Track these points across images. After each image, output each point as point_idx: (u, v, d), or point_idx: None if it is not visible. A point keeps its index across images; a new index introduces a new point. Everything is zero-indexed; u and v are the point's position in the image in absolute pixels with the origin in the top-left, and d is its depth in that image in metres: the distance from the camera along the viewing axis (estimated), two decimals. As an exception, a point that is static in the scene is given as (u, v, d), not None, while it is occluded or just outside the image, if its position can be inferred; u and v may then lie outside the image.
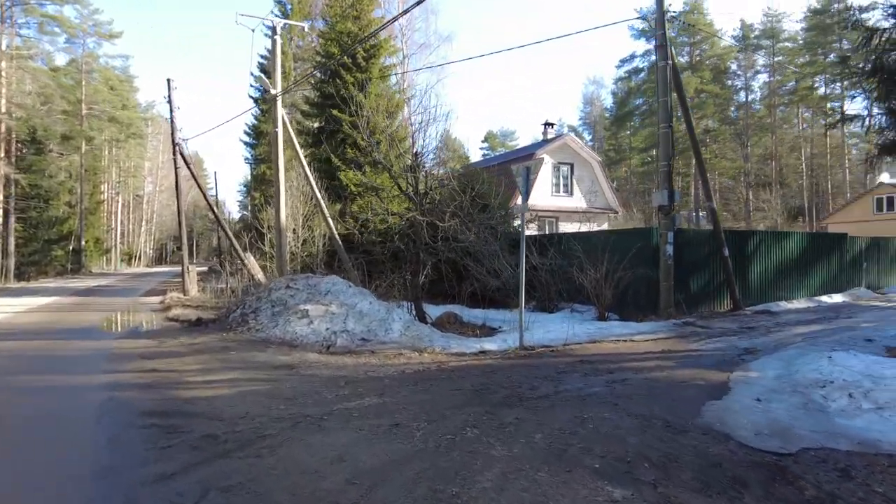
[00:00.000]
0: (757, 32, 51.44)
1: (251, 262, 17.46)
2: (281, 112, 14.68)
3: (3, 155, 30.34)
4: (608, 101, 65.95)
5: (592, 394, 5.70)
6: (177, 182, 19.96)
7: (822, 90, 48.65)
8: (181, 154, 19.15)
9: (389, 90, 21.24)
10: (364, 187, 17.10)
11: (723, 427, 4.60)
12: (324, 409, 5.20)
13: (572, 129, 65.72)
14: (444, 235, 11.17)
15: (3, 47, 30.72)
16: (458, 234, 11.16)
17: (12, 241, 30.85)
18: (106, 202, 51.82)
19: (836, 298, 15.09)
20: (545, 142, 26.72)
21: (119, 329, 12.05)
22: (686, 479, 3.58)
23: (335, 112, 17.90)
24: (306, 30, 28.62)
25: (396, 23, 28.16)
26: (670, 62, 11.81)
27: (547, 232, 22.48)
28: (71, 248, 39.20)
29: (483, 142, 76.62)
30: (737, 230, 18.11)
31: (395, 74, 24.17)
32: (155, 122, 59.26)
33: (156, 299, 18.08)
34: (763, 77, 52.47)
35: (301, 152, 15.81)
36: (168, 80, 18.93)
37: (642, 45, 52.34)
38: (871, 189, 34.47)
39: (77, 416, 5.29)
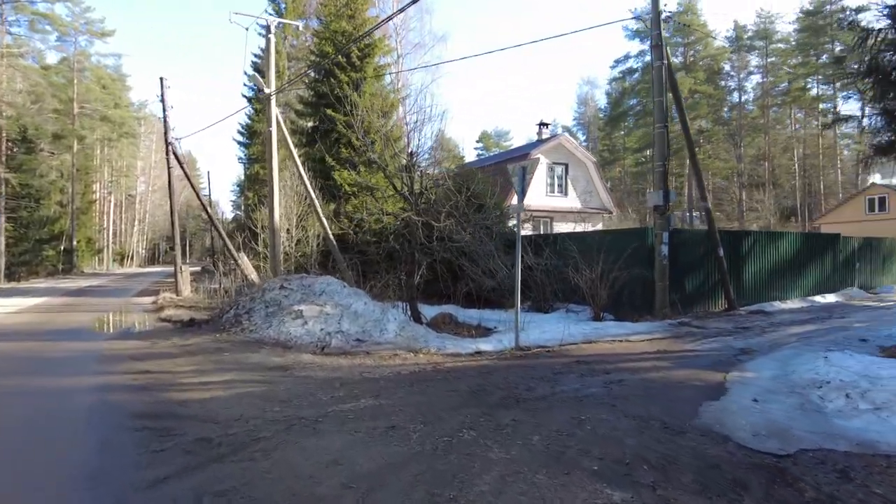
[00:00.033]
0: (750, 33, 51.73)
1: (245, 262, 17.35)
2: (275, 111, 14.60)
3: (-7, 154, 30.09)
4: (602, 102, 66.20)
5: (589, 395, 5.67)
6: (170, 182, 19.82)
7: (814, 91, 48.98)
8: (174, 153, 19.01)
9: (384, 90, 21.20)
10: (359, 187, 17.03)
11: (721, 428, 4.59)
12: (319, 412, 5.14)
13: (566, 129, 65.92)
14: (440, 235, 11.12)
15: (-6, 45, 30.45)
16: (454, 234, 11.11)
17: (2, 240, 30.58)
18: (98, 202, 51.44)
19: (830, 298, 15.17)
20: (540, 142, 26.72)
21: (111, 330, 11.93)
22: (685, 482, 3.55)
23: (329, 111, 17.83)
24: (301, 28, 28.39)
25: (391, 22, 28.14)
26: (665, 62, 11.82)
27: (542, 232, 22.49)
28: (62, 248, 38.89)
29: (477, 142, 76.77)
30: (731, 230, 18.17)
31: (390, 74, 24.12)
32: (148, 121, 58.92)
33: (148, 300, 17.94)
34: (756, 78, 52.82)
35: (295, 151, 15.74)
36: (161, 79, 18.81)
37: (636, 46, 52.57)
38: (863, 189, 34.72)
39: (67, 420, 5.19)
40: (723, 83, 52.14)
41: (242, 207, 32.45)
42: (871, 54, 7.44)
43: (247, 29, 15.89)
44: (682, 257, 12.30)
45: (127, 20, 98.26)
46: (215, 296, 17.03)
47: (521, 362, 7.60)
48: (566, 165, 25.96)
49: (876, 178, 34.20)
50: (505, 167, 15.44)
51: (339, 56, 18.45)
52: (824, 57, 47.13)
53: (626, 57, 54.13)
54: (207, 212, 21.76)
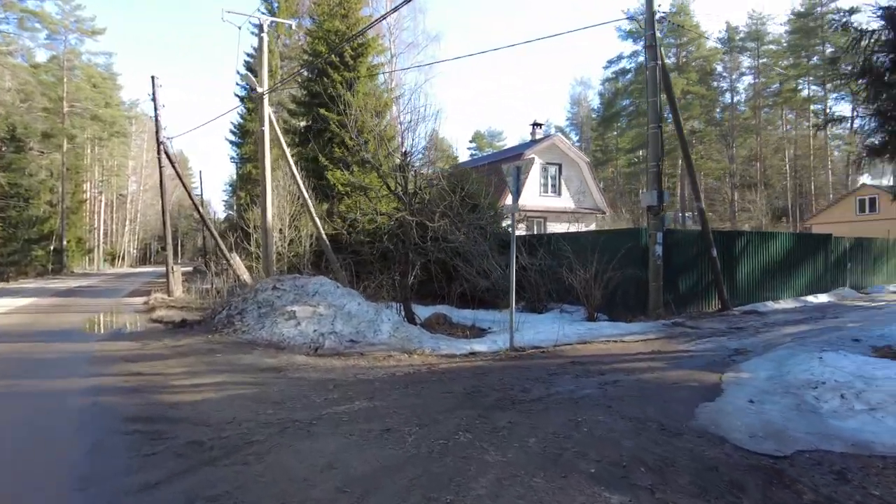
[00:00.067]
0: (742, 35, 52.06)
1: (237, 262, 17.22)
2: (268, 110, 14.50)
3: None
4: (595, 102, 66.39)
5: (585, 396, 5.64)
6: (161, 181, 19.66)
7: (805, 92, 49.36)
8: (166, 153, 18.84)
9: (378, 89, 21.12)
10: (352, 187, 16.95)
11: (717, 429, 4.57)
12: (312, 414, 5.09)
13: (559, 129, 65.98)
14: (434, 236, 11.07)
15: (-18, 43, 30.14)
16: (448, 234, 11.07)
17: (-9, 240, 30.24)
18: (88, 201, 51.01)
19: (822, 298, 15.25)
20: (533, 142, 26.74)
21: (101, 331, 11.80)
22: (683, 484, 3.53)
23: (322, 111, 17.74)
24: (293, 27, 28.33)
25: (384, 22, 28.01)
26: (660, 63, 11.83)
27: (535, 232, 22.49)
28: (52, 247, 38.51)
29: (471, 142, 76.77)
30: (725, 231, 18.24)
31: (384, 73, 24.05)
32: (139, 120, 58.48)
33: (139, 300, 17.78)
34: (748, 79, 53.21)
35: (288, 151, 15.64)
36: (152, 78, 18.64)
37: (629, 46, 52.84)
38: (853, 190, 35.04)
39: (58, 422, 5.12)
40: (715, 84, 52.48)
41: (234, 207, 32.26)
42: (864, 55, 7.48)
43: (239, 28, 15.78)
44: (675, 258, 12.32)
45: (118, 18, 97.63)
46: (207, 296, 16.90)
47: (516, 363, 7.56)
48: (559, 166, 25.99)
49: (865, 178, 34.54)
50: (499, 167, 15.41)
51: (333, 55, 18.37)
52: (815, 59, 47.52)
53: (619, 57, 54.43)
54: (199, 211, 21.61)
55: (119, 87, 53.18)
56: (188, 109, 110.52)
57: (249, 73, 16.90)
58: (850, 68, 8.01)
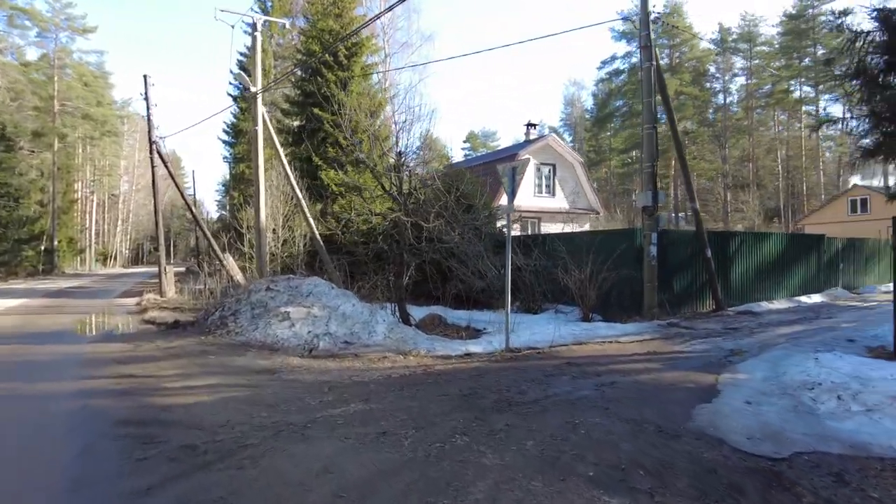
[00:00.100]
0: (735, 36, 52.33)
1: (230, 262, 17.12)
2: (261, 109, 14.41)
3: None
4: (589, 103, 66.56)
5: (582, 398, 5.62)
6: (153, 181, 19.50)
7: (797, 94, 49.69)
8: (158, 152, 18.71)
9: (372, 89, 21.06)
10: (346, 187, 16.87)
11: (715, 431, 4.55)
12: (307, 417, 5.03)
13: (553, 129, 66.05)
14: (429, 236, 11.03)
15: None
16: (443, 234, 11.02)
17: (-20, 241, 29.93)
18: (80, 201, 50.60)
19: (815, 298, 15.32)
20: (528, 142, 26.75)
21: (93, 332, 11.67)
22: (682, 487, 3.50)
23: (316, 110, 17.67)
24: (287, 27, 28.22)
25: (378, 21, 27.97)
26: (654, 63, 11.83)
27: (530, 232, 22.49)
28: (43, 248, 38.19)
29: (465, 142, 76.79)
30: (719, 231, 18.31)
31: (377, 73, 23.97)
32: (131, 119, 57.99)
33: (131, 301, 17.64)
34: (741, 80, 53.49)
35: (281, 151, 15.55)
36: (145, 77, 18.50)
37: (623, 47, 52.99)
38: (845, 191, 35.32)
39: (48, 426, 5.03)
40: (708, 85, 52.75)
41: (227, 207, 32.06)
42: (859, 56, 7.50)
43: (232, 27, 15.65)
44: (670, 258, 12.33)
45: (109, 17, 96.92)
46: (200, 297, 16.78)
47: (512, 364, 7.53)
48: (554, 166, 26.01)
49: (856, 179, 34.82)
50: (493, 167, 15.39)
51: (327, 55, 18.29)
52: (807, 60, 47.85)
53: (613, 58, 54.60)
54: (192, 211, 21.46)
55: (111, 85, 52.87)
56: (181, 108, 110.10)
57: (243, 73, 16.79)
58: (844, 69, 8.02)
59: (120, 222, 63.40)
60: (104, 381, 6.68)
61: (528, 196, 24.30)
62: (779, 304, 14.20)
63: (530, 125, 27.76)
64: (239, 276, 16.45)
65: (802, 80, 48.83)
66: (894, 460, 4.01)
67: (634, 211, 42.77)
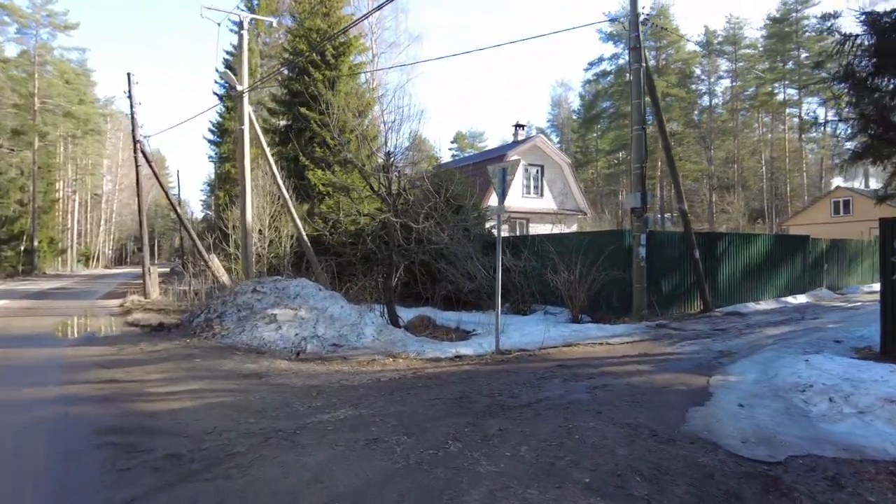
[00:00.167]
0: (720, 38, 52.84)
1: (215, 263, 16.89)
2: (247, 109, 14.22)
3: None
4: (576, 104, 66.83)
5: (575, 401, 5.56)
6: (137, 180, 19.17)
7: (780, 96, 50.31)
8: (142, 151, 18.39)
9: (359, 89, 20.92)
10: (333, 187, 16.74)
11: (710, 435, 4.52)
12: (296, 423, 4.92)
13: (541, 130, 66.36)
14: (418, 237, 10.95)
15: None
16: (433, 235, 10.94)
17: (-42, 241, 29.28)
18: (61, 201, 49.65)
19: (801, 299, 15.46)
20: (516, 143, 26.74)
21: (75, 335, 11.38)
22: (680, 494, 3.45)
23: (303, 110, 17.51)
24: (274, 25, 28.01)
25: (366, 21, 27.84)
26: (644, 65, 11.84)
27: (518, 233, 22.49)
28: (23, 248, 37.47)
29: (452, 142, 76.73)
30: (706, 232, 18.42)
31: (365, 73, 23.83)
32: (114, 118, 57.19)
33: (115, 302, 17.32)
34: (726, 82, 54.03)
35: (268, 150, 15.36)
36: (128, 75, 18.17)
37: (610, 49, 53.31)
38: (828, 192, 35.80)
39: (25, 435, 4.84)
40: (694, 87, 53.18)
41: (213, 207, 31.68)
42: (847, 59, 7.55)
43: (219, 24, 15.42)
44: (658, 259, 12.36)
45: (92, 13, 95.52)
46: (185, 298, 16.54)
47: (503, 367, 7.46)
48: (542, 167, 26.04)
49: (838, 181, 35.34)
50: (482, 168, 15.31)
51: (314, 54, 18.14)
52: (791, 63, 48.47)
53: (600, 59, 54.85)
54: (177, 212, 21.16)
55: (93, 83, 51.91)
56: (165, 107, 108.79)
57: (229, 71, 16.56)
58: (833, 73, 8.07)
59: (103, 222, 62.45)
60: (86, 386, 6.50)
61: (516, 197, 24.29)
62: (765, 304, 14.31)
63: (518, 126, 27.76)
64: (224, 278, 16.24)
65: (786, 82, 49.47)
66: (888, 463, 4.00)
67: (622, 212, 43.06)
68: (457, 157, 53.89)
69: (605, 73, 54.72)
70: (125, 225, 68.65)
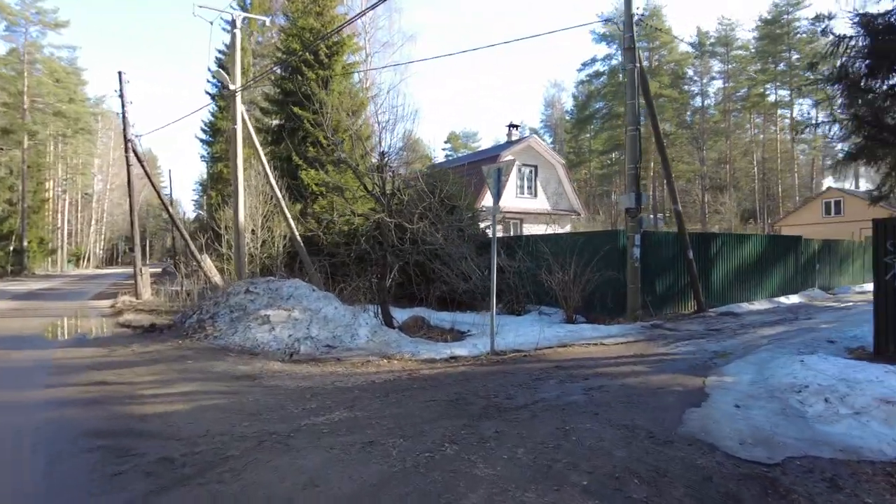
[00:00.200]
0: (712, 40, 53.11)
1: (208, 264, 16.76)
2: (240, 108, 14.11)
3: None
4: (569, 104, 66.98)
5: (571, 402, 5.54)
6: (129, 180, 19.00)
7: (772, 97, 50.64)
8: (134, 151, 18.23)
9: (353, 88, 20.86)
10: (327, 187, 16.67)
11: (707, 436, 4.50)
12: (290, 426, 4.86)
13: (534, 131, 66.39)
14: (413, 237, 10.89)
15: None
16: (427, 235, 10.89)
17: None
18: (51, 200, 49.16)
19: (793, 299, 15.53)
20: (509, 143, 26.74)
21: (65, 336, 11.26)
22: (678, 496, 3.43)
23: (296, 109, 17.42)
24: (267, 24, 27.85)
25: (359, 20, 27.73)
26: (638, 65, 11.85)
27: (512, 233, 22.48)
28: (11, 248, 37.09)
29: (446, 142, 76.69)
30: (700, 233, 18.48)
31: (358, 72, 23.75)
32: (105, 117, 56.78)
33: (106, 303, 17.16)
34: (718, 83, 54.31)
35: (261, 150, 15.26)
36: (119, 73, 18.00)
37: (603, 49, 53.54)
38: (819, 193, 36.07)
39: (11, 440, 4.74)
40: (686, 88, 53.43)
41: (205, 207, 31.52)
42: (841, 60, 7.57)
43: (211, 23, 15.34)
44: (652, 259, 12.36)
45: (82, 11, 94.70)
46: (177, 299, 16.39)
47: (499, 368, 7.43)
48: (535, 167, 26.06)
49: (829, 181, 35.63)
50: (476, 168, 15.30)
51: (307, 53, 18.05)
52: (782, 65, 48.79)
53: (593, 60, 55.05)
54: (169, 211, 20.98)
55: (84, 82, 51.47)
56: (158, 106, 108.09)
57: (221, 70, 16.44)
58: (827, 74, 8.09)
59: (94, 222, 61.94)
60: (76, 388, 6.40)
61: (510, 197, 24.29)
62: (759, 304, 14.35)
63: (512, 126, 27.77)
64: (217, 278, 16.12)
65: (778, 83, 49.79)
66: (885, 464, 4.00)
67: (616, 212, 43.18)
68: (450, 157, 53.88)
69: (598, 74, 54.90)
70: (116, 225, 68.11)
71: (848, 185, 44.54)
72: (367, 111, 20.28)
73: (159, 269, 33.49)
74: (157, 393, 6.19)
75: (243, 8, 28.15)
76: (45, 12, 42.03)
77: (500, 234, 18.57)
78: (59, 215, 52.40)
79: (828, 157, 47.85)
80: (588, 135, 59.96)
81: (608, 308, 11.94)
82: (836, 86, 7.90)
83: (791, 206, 44.46)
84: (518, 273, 12.47)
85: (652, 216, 47.49)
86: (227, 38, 24.30)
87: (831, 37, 7.56)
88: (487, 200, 13.73)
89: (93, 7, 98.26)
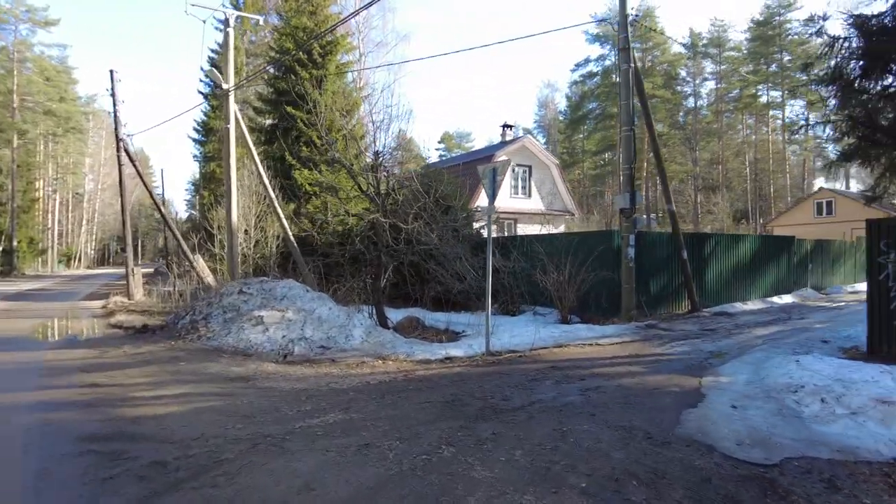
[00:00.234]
0: (705, 41, 53.36)
1: (200, 264, 16.64)
2: (233, 107, 14.01)
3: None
4: (562, 105, 67.08)
5: (568, 403, 5.51)
6: (121, 180, 18.83)
7: (764, 98, 50.95)
8: (126, 150, 18.07)
9: (347, 88, 20.78)
10: (320, 187, 16.58)
11: (704, 437, 4.49)
12: (285, 428, 4.80)
13: (528, 131, 66.37)
14: (407, 237, 10.84)
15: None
16: (422, 236, 10.84)
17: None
18: (41, 200, 48.73)
19: (787, 299, 15.60)
20: (503, 143, 26.73)
21: (55, 337, 11.12)
22: (678, 498, 3.41)
23: (290, 109, 17.32)
24: (260, 23, 27.71)
25: (353, 20, 27.68)
26: (633, 65, 11.85)
27: (506, 233, 22.46)
28: (1, 248, 36.73)
29: (439, 142, 76.65)
30: (694, 233, 18.55)
31: (352, 72, 23.67)
32: (97, 116, 56.38)
33: (97, 304, 16.99)
34: (710, 84, 54.59)
35: (254, 149, 15.16)
36: (111, 72, 17.84)
37: (597, 50, 53.64)
38: (811, 193, 36.29)
39: (1, 444, 4.66)
40: (679, 88, 53.65)
41: (197, 207, 31.35)
42: (835, 62, 7.60)
43: (204, 22, 15.29)
44: (646, 260, 12.38)
45: (73, 9, 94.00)
46: (169, 299, 16.27)
47: (494, 369, 7.40)
48: (529, 167, 26.06)
49: (821, 182, 35.88)
50: (470, 168, 15.28)
51: (300, 52, 17.97)
52: (774, 66, 49.08)
53: (587, 61, 55.14)
54: (161, 211, 20.84)
55: (75, 80, 51.10)
56: (150, 105, 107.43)
57: (214, 70, 16.33)
58: (821, 74, 8.11)
59: (85, 222, 61.46)
60: (67, 391, 6.31)
61: (504, 197, 24.27)
62: (752, 304, 14.41)
63: (506, 126, 27.76)
64: (210, 278, 16.01)
65: (770, 85, 50.09)
66: (882, 464, 4.00)
67: (611, 212, 43.26)
68: (444, 157, 53.83)
69: (591, 75, 55.01)
70: (108, 225, 67.60)
71: (839, 185, 44.91)
72: (361, 111, 20.23)
73: (151, 270, 33.26)
74: (150, 395, 6.11)
75: (236, 7, 28.01)
76: (34, 10, 41.76)
77: (494, 235, 18.59)
78: (50, 215, 51.94)
79: (819, 158, 48.25)
80: (581, 135, 60.08)
81: (603, 308, 11.94)
82: (830, 87, 7.92)
83: (783, 206, 44.74)
84: (513, 273, 12.45)
85: (644, 216, 47.64)
86: (219, 37, 24.13)
87: (825, 38, 7.60)
88: (482, 201, 13.72)
89: (83, 5, 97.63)
